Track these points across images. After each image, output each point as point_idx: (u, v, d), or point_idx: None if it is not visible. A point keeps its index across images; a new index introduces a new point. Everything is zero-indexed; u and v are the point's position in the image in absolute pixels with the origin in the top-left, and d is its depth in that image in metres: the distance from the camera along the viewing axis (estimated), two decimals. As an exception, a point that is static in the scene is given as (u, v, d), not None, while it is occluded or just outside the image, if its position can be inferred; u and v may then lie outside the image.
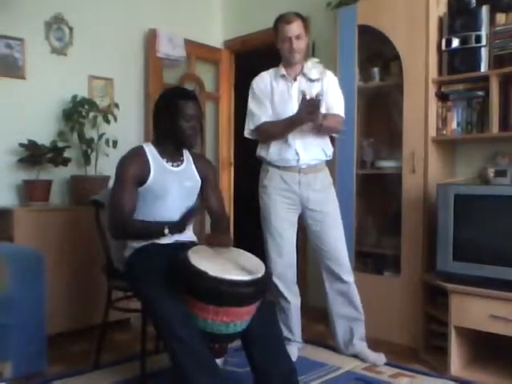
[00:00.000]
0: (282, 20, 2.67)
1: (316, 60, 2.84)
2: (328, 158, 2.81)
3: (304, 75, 2.74)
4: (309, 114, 2.49)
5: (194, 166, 2.49)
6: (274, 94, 2.74)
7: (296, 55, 2.68)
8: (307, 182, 2.71)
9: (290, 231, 2.78)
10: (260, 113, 2.72)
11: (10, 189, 3.27)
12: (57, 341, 2.88)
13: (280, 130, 2.67)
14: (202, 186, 2.50)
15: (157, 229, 2.27)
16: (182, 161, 2.45)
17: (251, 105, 2.77)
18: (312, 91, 2.57)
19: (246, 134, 2.80)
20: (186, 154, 2.50)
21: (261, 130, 2.73)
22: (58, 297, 2.94)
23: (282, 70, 2.75)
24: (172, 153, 2.41)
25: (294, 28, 2.64)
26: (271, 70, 2.80)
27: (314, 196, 2.73)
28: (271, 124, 2.70)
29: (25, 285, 2.43)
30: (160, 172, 2.34)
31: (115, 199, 2.30)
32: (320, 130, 2.66)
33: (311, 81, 2.71)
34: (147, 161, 2.33)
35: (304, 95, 2.50)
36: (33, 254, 2.54)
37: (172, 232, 2.27)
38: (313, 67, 2.76)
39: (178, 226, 2.31)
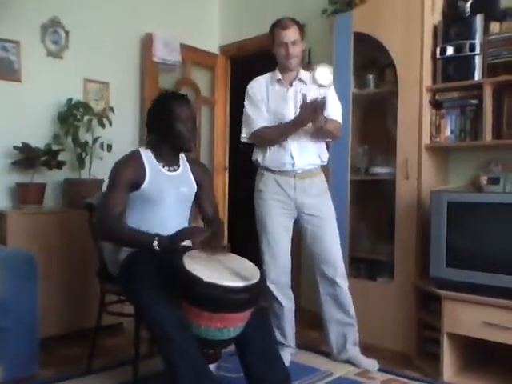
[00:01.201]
0: (278, 25, 2.68)
1: (328, 69, 2.78)
2: (323, 164, 2.82)
3: (300, 80, 2.75)
4: (313, 115, 2.50)
5: (190, 171, 2.49)
6: (270, 99, 2.74)
7: (292, 61, 2.69)
8: (303, 186, 2.72)
9: (285, 236, 2.78)
10: (257, 117, 2.73)
11: (4, 191, 3.26)
12: (49, 344, 2.87)
13: (280, 133, 2.67)
14: (197, 191, 2.50)
15: (146, 239, 2.15)
16: (179, 166, 2.45)
17: (247, 109, 2.77)
18: (310, 95, 2.59)
19: (243, 138, 2.80)
20: (183, 158, 2.50)
21: (259, 135, 2.73)
22: (50, 300, 2.93)
23: (278, 75, 2.76)
24: (169, 157, 2.41)
25: (290, 34, 2.65)
26: (267, 75, 2.81)
27: (310, 201, 2.73)
28: (271, 128, 2.70)
29: (18, 288, 2.43)
30: (156, 177, 2.34)
31: (105, 202, 2.30)
32: (319, 133, 2.66)
33: (319, 86, 2.69)
34: (143, 165, 2.33)
35: (305, 98, 2.52)
36: (26, 257, 2.54)
37: (161, 246, 2.13)
38: (325, 74, 2.71)
39: (168, 242, 2.14)
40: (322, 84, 2.71)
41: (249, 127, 2.76)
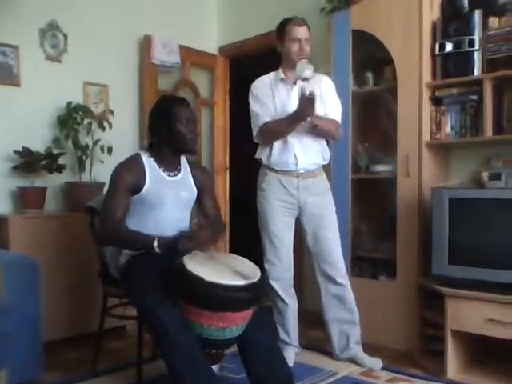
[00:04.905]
0: (293, 22, 2.69)
1: (306, 61, 2.78)
2: (325, 162, 2.83)
3: (304, 79, 2.73)
4: (305, 110, 2.49)
5: (190, 176, 2.48)
6: (275, 97, 2.74)
7: (302, 58, 2.66)
8: (306, 186, 2.73)
9: (288, 235, 2.78)
10: (263, 112, 2.71)
11: (5, 196, 3.27)
12: (53, 348, 2.87)
13: (281, 127, 2.66)
14: (198, 195, 2.49)
15: (146, 241, 2.19)
16: (179, 170, 2.44)
17: (253, 107, 2.75)
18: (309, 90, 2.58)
19: (255, 138, 2.78)
20: (184, 162, 2.48)
21: (264, 130, 2.71)
22: (53, 304, 2.93)
23: (282, 74, 2.76)
24: (170, 161, 2.39)
25: (304, 31, 2.69)
26: (271, 74, 2.81)
27: (312, 200, 2.74)
28: (273, 122, 2.69)
29: (20, 292, 2.43)
30: (156, 181, 2.33)
31: (106, 206, 2.30)
32: (315, 131, 2.66)
33: (304, 80, 2.67)
34: (143, 169, 2.32)
35: (303, 92, 2.51)
36: (28, 261, 2.54)
37: (161, 248, 2.16)
38: (305, 68, 2.67)
39: (169, 245, 2.18)
40: (305, 77, 2.61)
41: (257, 124, 2.74)
